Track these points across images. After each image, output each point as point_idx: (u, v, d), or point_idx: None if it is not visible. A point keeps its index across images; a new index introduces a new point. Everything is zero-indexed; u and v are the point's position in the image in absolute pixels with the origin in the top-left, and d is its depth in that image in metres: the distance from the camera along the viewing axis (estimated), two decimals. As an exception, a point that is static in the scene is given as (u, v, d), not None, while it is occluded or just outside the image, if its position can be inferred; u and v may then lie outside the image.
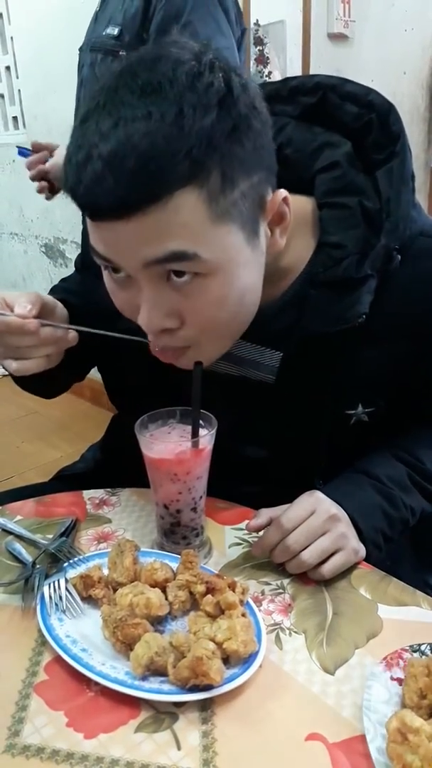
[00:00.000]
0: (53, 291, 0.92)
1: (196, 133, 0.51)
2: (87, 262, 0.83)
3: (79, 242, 2.82)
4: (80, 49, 1.70)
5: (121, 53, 1.52)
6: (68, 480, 1.01)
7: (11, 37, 2.83)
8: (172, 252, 0.56)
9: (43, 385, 0.83)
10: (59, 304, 0.76)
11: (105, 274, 0.65)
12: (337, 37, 2.54)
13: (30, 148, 1.75)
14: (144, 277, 0.59)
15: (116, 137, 0.51)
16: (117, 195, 0.52)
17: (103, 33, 1.57)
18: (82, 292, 0.86)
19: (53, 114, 2.68)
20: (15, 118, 3.00)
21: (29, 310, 0.67)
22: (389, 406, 0.77)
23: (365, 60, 2.66)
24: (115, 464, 0.70)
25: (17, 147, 1.85)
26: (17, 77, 2.88)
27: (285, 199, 0.63)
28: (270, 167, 0.62)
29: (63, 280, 0.95)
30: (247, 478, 0.83)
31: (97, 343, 0.72)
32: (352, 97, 0.71)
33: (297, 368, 0.74)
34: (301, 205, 0.71)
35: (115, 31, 1.54)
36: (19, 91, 2.89)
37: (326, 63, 2.39)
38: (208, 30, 1.36)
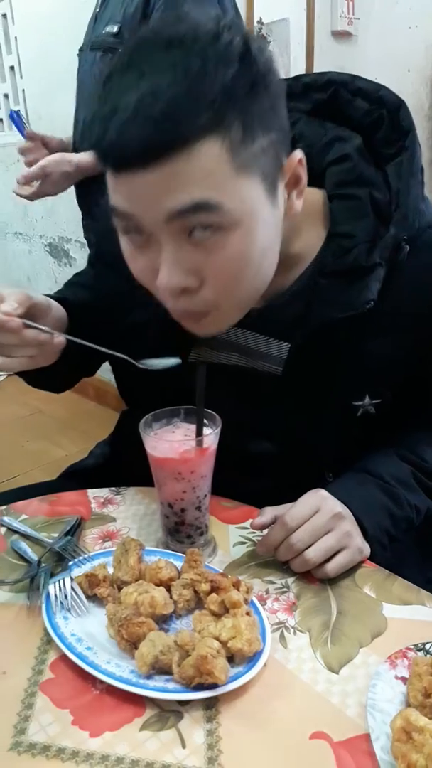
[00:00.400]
0: (67, 285, 0.93)
1: (218, 84, 0.53)
2: (101, 253, 0.85)
3: (84, 241, 2.81)
4: (80, 50, 1.70)
5: (120, 50, 1.53)
6: (77, 476, 1.02)
7: (15, 37, 2.83)
8: (196, 202, 0.56)
9: (46, 379, 0.83)
10: (55, 306, 0.75)
11: (123, 240, 0.64)
12: (342, 35, 2.53)
13: (22, 116, 1.75)
14: (165, 234, 0.59)
15: (142, 88, 0.53)
16: (143, 141, 0.53)
17: (103, 31, 1.58)
18: (95, 286, 0.88)
19: (57, 113, 2.67)
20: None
21: (15, 308, 0.67)
22: (396, 399, 0.77)
23: (369, 58, 2.65)
24: (124, 460, 0.70)
25: (11, 111, 1.85)
26: (21, 77, 2.88)
27: (300, 161, 0.64)
28: (285, 130, 0.63)
29: (77, 275, 0.96)
30: (253, 473, 0.83)
31: (106, 339, 0.72)
32: (363, 93, 0.72)
33: (305, 358, 0.75)
34: (311, 197, 0.72)
35: (115, 28, 1.54)
36: (23, 90, 2.90)
37: (330, 61, 2.38)
38: None
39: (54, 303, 0.75)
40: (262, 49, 0.57)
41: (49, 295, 0.80)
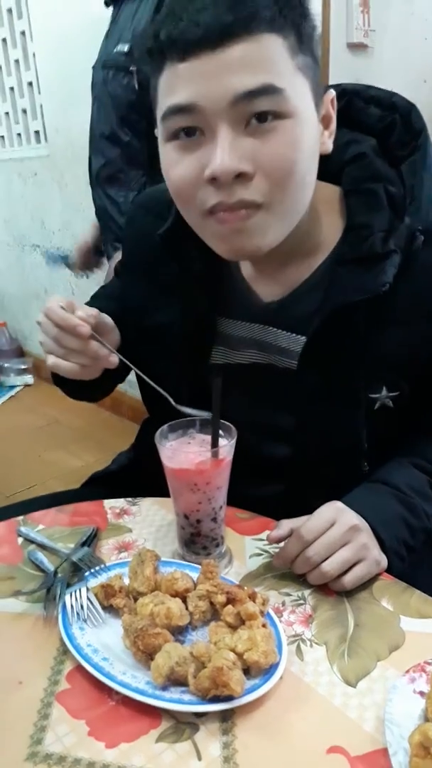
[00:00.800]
0: (94, 297, 0.98)
1: None
2: (130, 257, 0.91)
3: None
4: (93, 67, 1.73)
5: (131, 68, 1.57)
6: (101, 483, 1.03)
7: (33, 54, 2.88)
8: (263, 84, 0.60)
9: (87, 390, 0.86)
10: (116, 331, 0.80)
11: (167, 148, 0.66)
12: (357, 47, 2.54)
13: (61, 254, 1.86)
14: (224, 121, 0.61)
15: None
16: (218, 21, 0.58)
17: (114, 50, 1.61)
18: (121, 295, 0.92)
19: (74, 128, 2.71)
20: (37, 132, 3.05)
21: (88, 316, 0.71)
22: (413, 393, 0.77)
23: (385, 69, 2.66)
24: (145, 467, 0.72)
25: (49, 255, 1.98)
26: (39, 92, 2.93)
27: (332, 101, 0.70)
28: (319, 69, 0.68)
29: (103, 288, 1.01)
30: (267, 478, 0.84)
31: (131, 343, 0.74)
32: (376, 101, 0.76)
33: (320, 350, 0.75)
34: (329, 192, 0.75)
35: (125, 48, 1.58)
36: (41, 105, 2.94)
37: (346, 72, 2.39)
38: None
39: (116, 328, 0.78)
40: None
41: None
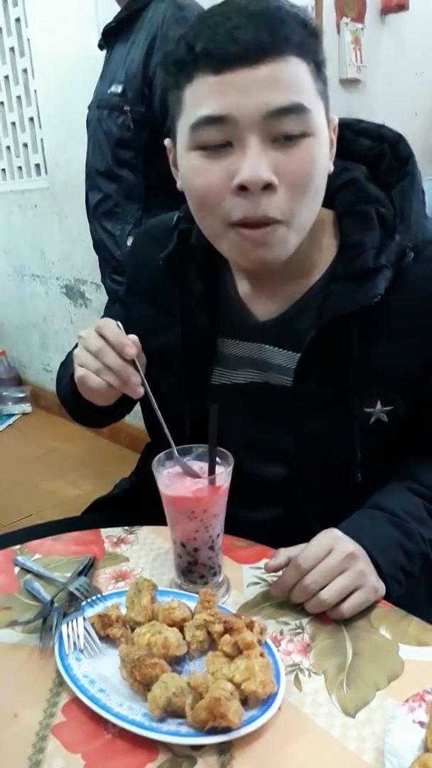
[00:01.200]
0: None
1: (305, 19, 0.66)
2: (132, 284, 0.95)
3: (99, 283, 2.85)
4: (88, 107, 1.78)
5: (125, 108, 1.62)
6: (103, 508, 1.04)
7: (35, 90, 2.95)
8: (295, 103, 0.64)
9: (93, 411, 0.85)
10: (144, 369, 0.80)
11: (192, 157, 0.69)
12: (350, 82, 2.61)
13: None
14: (255, 132, 0.64)
15: (252, 6, 0.64)
16: (255, 39, 0.62)
17: (108, 91, 1.67)
18: (124, 323, 0.91)
19: (73, 161, 2.76)
20: (38, 166, 3.11)
21: (135, 341, 0.73)
22: (407, 408, 0.78)
23: (377, 103, 2.73)
24: (148, 491, 0.72)
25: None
26: (40, 127, 2.99)
27: (334, 129, 0.74)
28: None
29: (106, 314, 1.03)
30: (264, 501, 0.85)
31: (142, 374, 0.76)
32: (366, 132, 0.80)
33: (315, 364, 0.77)
34: (325, 214, 0.78)
35: (119, 89, 1.64)
36: (42, 140, 3.00)
37: (339, 107, 2.44)
38: None
39: (145, 362, 0.79)
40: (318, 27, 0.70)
41: None
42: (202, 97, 0.65)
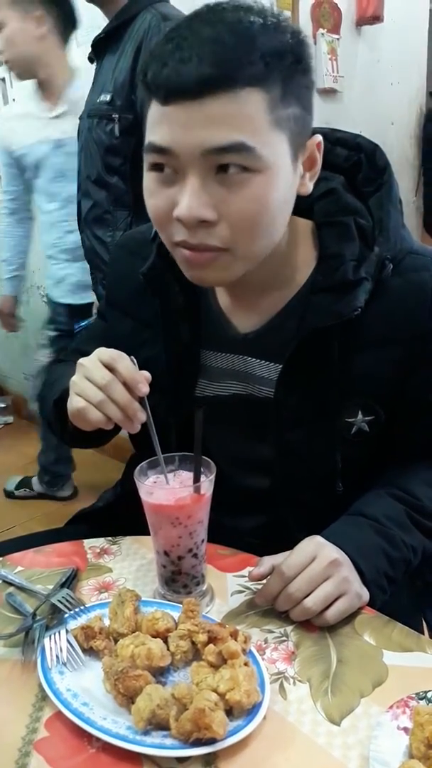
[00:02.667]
0: (77, 339, 1.01)
1: (272, 43, 0.62)
2: (111, 298, 0.94)
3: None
4: (80, 118, 1.82)
5: (113, 116, 1.65)
6: (87, 520, 1.02)
7: (13, 99, 2.94)
8: (235, 141, 0.62)
9: (86, 436, 0.82)
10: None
11: (148, 178, 0.69)
12: (327, 92, 2.64)
13: None
14: (195, 168, 0.63)
15: (205, 33, 0.61)
16: (200, 75, 0.60)
17: (97, 100, 1.70)
18: (104, 336, 0.93)
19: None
20: (17, 175, 3.09)
21: (148, 378, 0.71)
22: (388, 417, 0.79)
23: (354, 112, 2.76)
24: (133, 502, 0.72)
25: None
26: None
27: (318, 145, 0.71)
28: (310, 116, 0.70)
29: (86, 329, 1.02)
30: (247, 510, 0.85)
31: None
32: (342, 142, 0.79)
33: (296, 375, 0.77)
34: (302, 226, 0.78)
35: (108, 97, 1.67)
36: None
37: (317, 117, 2.46)
38: None
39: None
40: (303, 36, 0.67)
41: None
42: (153, 123, 0.65)
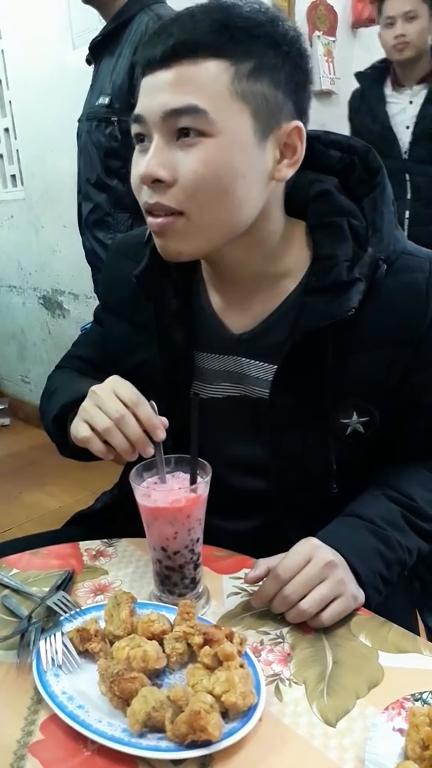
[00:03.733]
0: (75, 345, 1.01)
1: (246, 23, 0.66)
2: (107, 301, 0.95)
3: (77, 293, 2.85)
4: (79, 120, 1.82)
5: (113, 119, 1.66)
6: (84, 521, 1.02)
7: (9, 101, 2.94)
8: (189, 104, 0.65)
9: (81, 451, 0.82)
10: None
11: (135, 153, 0.73)
12: (324, 94, 2.65)
13: None
14: (158, 130, 0.67)
15: (185, 12, 0.68)
16: (166, 45, 0.65)
17: (96, 103, 1.71)
18: (101, 341, 0.95)
19: (50, 172, 2.76)
20: (13, 176, 3.10)
21: (166, 424, 0.72)
22: (383, 418, 0.79)
23: (350, 114, 2.76)
24: (130, 504, 0.72)
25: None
26: (15, 138, 2.98)
27: (298, 131, 0.71)
28: (299, 106, 0.72)
29: (84, 335, 1.03)
30: (244, 513, 0.85)
31: None
32: (335, 144, 0.80)
33: (291, 376, 0.77)
34: (296, 226, 0.79)
35: (106, 100, 1.68)
36: (17, 151, 2.99)
37: (313, 119, 2.47)
38: None
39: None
40: (293, 30, 0.70)
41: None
42: (137, 97, 0.70)
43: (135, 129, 0.71)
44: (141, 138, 0.70)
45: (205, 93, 0.65)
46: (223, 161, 0.67)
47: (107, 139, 1.70)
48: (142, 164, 0.68)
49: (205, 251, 0.73)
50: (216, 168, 0.67)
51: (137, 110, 0.69)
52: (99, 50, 1.77)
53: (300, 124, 0.71)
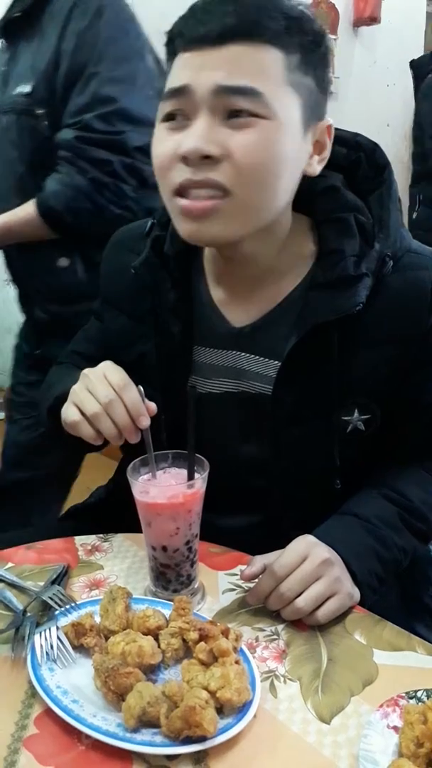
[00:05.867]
0: (75, 341, 1.00)
1: (295, 12, 0.68)
2: (107, 294, 0.93)
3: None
4: None
5: (38, 112, 1.31)
6: (78, 515, 1.02)
7: None
8: (245, 85, 0.65)
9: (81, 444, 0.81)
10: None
11: (159, 128, 0.71)
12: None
13: None
14: (206, 107, 0.66)
15: None
16: (223, 23, 0.65)
17: (14, 92, 1.35)
18: (99, 338, 0.94)
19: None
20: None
21: (153, 411, 0.72)
22: (384, 417, 0.79)
23: (350, 113, 2.76)
24: (126, 498, 0.72)
25: None
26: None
27: (329, 128, 0.74)
28: (325, 101, 0.74)
29: (83, 330, 1.01)
30: (245, 508, 0.85)
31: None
32: (342, 141, 0.79)
33: (295, 373, 0.77)
34: (302, 220, 0.80)
35: (27, 88, 1.33)
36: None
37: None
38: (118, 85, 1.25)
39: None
40: (323, 30, 0.72)
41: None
42: (173, 73, 0.69)
43: (172, 105, 0.69)
44: (172, 116, 0.69)
45: (263, 76, 0.66)
46: (275, 143, 0.67)
47: (31, 136, 1.34)
48: (187, 139, 0.66)
49: (237, 238, 0.72)
50: (270, 149, 0.67)
51: (181, 82, 0.68)
52: (12, 30, 1.42)
53: (331, 122, 0.74)
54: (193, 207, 0.68)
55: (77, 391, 0.73)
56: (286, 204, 0.74)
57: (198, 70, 0.66)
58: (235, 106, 0.66)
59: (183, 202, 0.69)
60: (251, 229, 0.72)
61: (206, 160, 0.66)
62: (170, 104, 0.69)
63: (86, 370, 0.74)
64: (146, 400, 0.72)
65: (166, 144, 0.69)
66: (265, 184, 0.69)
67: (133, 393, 0.71)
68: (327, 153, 0.74)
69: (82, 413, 0.72)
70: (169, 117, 0.70)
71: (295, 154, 0.70)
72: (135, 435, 0.71)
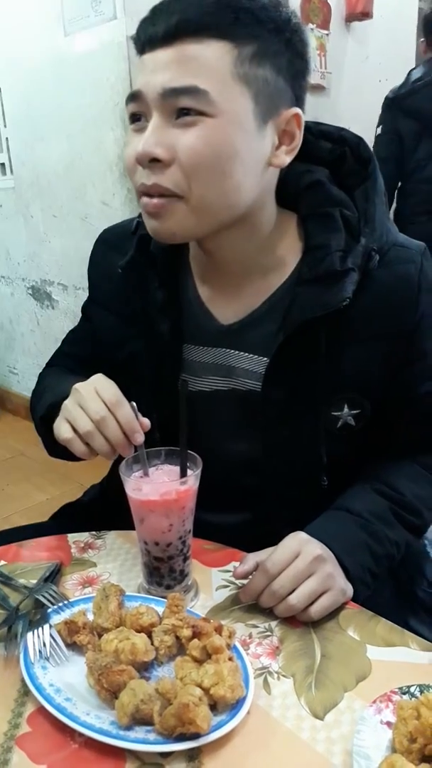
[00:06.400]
0: (65, 342, 1.00)
1: (249, 4, 0.66)
2: (96, 295, 0.93)
3: (66, 284, 2.84)
4: None
5: None
6: (71, 514, 1.02)
7: (0, 89, 2.90)
8: (188, 85, 0.65)
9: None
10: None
11: (130, 129, 0.72)
12: (315, 88, 2.64)
13: None
14: (157, 109, 0.67)
15: None
16: (168, 24, 0.65)
17: None
18: (88, 338, 0.94)
19: (40, 161, 2.73)
20: (2, 165, 3.06)
21: (147, 427, 0.71)
22: (374, 411, 0.79)
23: (341, 108, 2.76)
24: (119, 496, 0.71)
25: None
26: (5, 126, 2.94)
27: (297, 118, 0.71)
28: (298, 93, 0.72)
29: (72, 332, 1.01)
30: (235, 506, 0.85)
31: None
32: (326, 135, 0.79)
33: (284, 369, 0.77)
34: (287, 216, 0.79)
35: None
36: (7, 139, 2.95)
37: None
38: None
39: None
40: (295, 16, 0.70)
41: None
42: (135, 75, 0.71)
43: (131, 108, 0.70)
44: (136, 117, 0.70)
45: (207, 73, 0.65)
46: (222, 141, 0.66)
47: None
48: (138, 143, 0.67)
49: (198, 234, 0.73)
50: (215, 147, 0.66)
51: (135, 87, 0.68)
52: None
53: (299, 111, 0.71)
54: (149, 204, 0.70)
55: (69, 407, 0.72)
56: (252, 199, 0.72)
57: (150, 74, 0.66)
58: (181, 105, 0.65)
59: (145, 200, 0.70)
60: (212, 226, 0.71)
61: (156, 163, 0.67)
62: (130, 107, 0.70)
63: (77, 385, 0.73)
64: (140, 416, 0.71)
65: (130, 146, 0.70)
66: (214, 183, 0.68)
67: (126, 409, 0.70)
68: (297, 142, 0.72)
69: (75, 430, 0.71)
70: (134, 119, 0.70)
71: (248, 148, 0.68)
72: (129, 450, 0.71)
